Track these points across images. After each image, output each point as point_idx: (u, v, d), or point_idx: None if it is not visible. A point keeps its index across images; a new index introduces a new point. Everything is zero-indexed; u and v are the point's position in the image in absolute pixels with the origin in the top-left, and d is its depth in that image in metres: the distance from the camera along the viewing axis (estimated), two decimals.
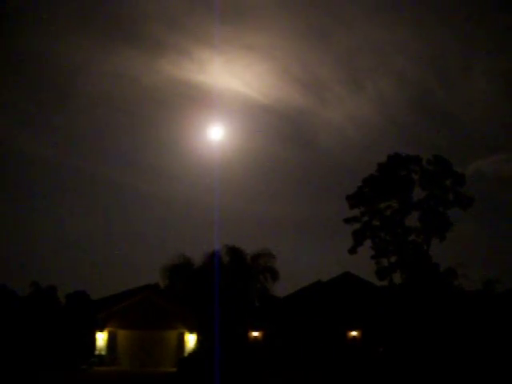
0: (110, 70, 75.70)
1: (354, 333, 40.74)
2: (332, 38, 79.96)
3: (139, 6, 73.11)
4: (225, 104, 65.04)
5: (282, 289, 46.89)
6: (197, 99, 72.05)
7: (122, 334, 39.09)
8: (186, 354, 38.40)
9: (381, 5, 77.22)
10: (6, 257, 63.57)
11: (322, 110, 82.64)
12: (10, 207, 76.95)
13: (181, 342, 39.30)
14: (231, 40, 70.23)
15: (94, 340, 38.72)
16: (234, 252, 46.18)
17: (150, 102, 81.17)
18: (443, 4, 77.36)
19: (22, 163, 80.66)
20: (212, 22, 61.37)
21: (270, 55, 78.38)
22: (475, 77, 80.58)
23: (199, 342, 39.28)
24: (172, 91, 76.92)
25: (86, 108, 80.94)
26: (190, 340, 39.27)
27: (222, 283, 42.01)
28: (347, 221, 47.50)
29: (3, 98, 77.18)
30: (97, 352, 38.41)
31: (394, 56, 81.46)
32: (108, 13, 75.25)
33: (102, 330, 38.83)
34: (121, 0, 74.14)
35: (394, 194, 47.10)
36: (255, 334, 41.13)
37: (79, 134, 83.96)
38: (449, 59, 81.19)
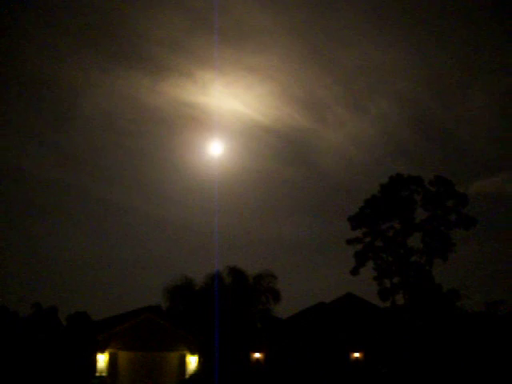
0: (112, 91, 76.37)
1: (356, 354, 40.43)
2: (332, 60, 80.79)
3: (142, 28, 73.98)
4: (226, 125, 65.56)
5: (283, 310, 46.76)
6: (198, 120, 72.46)
7: (123, 355, 38.78)
8: (187, 376, 38.13)
9: (380, 26, 77.99)
10: (7, 277, 63.48)
11: (323, 130, 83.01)
12: (11, 227, 77.04)
13: (182, 363, 38.99)
14: (232, 62, 70.97)
15: (94, 361, 38.42)
16: (236, 273, 46.06)
17: (152, 123, 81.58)
18: (442, 25, 78.04)
19: (24, 183, 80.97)
20: (214, 45, 61.91)
21: (271, 76, 78.92)
22: (476, 96, 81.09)
23: (201, 363, 39.00)
24: (174, 112, 77.37)
25: (89, 129, 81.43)
26: (192, 362, 38.97)
27: (223, 304, 41.84)
28: (349, 242, 47.45)
29: (7, 117, 77.79)
30: (97, 374, 38.10)
31: (394, 76, 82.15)
32: (111, 35, 76.09)
33: (102, 352, 38.51)
34: (124, 23, 74.89)
35: (396, 215, 47.07)
36: (257, 355, 40.83)
37: (81, 155, 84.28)
38: (449, 79, 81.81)
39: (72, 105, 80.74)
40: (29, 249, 76.17)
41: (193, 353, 38.98)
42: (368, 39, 77.65)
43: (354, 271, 46.74)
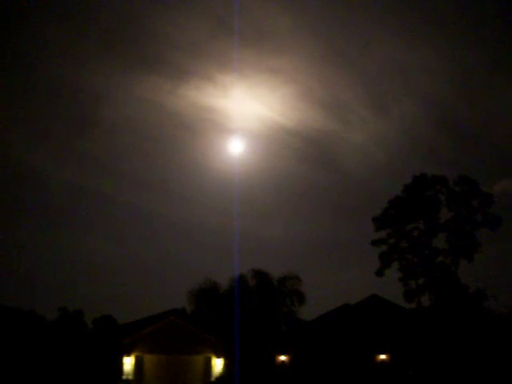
0: (133, 95, 76.87)
1: (382, 356, 40.11)
2: (355, 61, 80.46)
3: (162, 32, 74.36)
4: (248, 127, 65.64)
5: (308, 312, 46.64)
6: (219, 123, 72.58)
7: (148, 358, 38.96)
8: (213, 379, 38.18)
9: (403, 26, 77.50)
10: (34, 282, 64.15)
11: (346, 132, 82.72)
12: (37, 232, 77.93)
13: (208, 366, 39.04)
14: (254, 64, 71.00)
15: (121, 364, 38.64)
16: (260, 275, 46.06)
17: (174, 127, 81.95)
18: (465, 22, 77.33)
19: (47, 188, 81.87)
20: (234, 48, 62.02)
21: (293, 78, 78.75)
22: (500, 94, 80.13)
23: (226, 366, 39.02)
24: (196, 116, 77.58)
25: (110, 133, 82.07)
26: (217, 364, 39.00)
27: (248, 307, 41.87)
28: (374, 243, 47.23)
29: (29, 122, 78.78)
30: (124, 377, 38.31)
31: (417, 76, 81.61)
32: (131, 40, 76.57)
33: (128, 355, 38.72)
34: (143, 27, 75.29)
35: (420, 216, 46.74)
36: (282, 357, 40.72)
37: (103, 159, 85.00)
38: (473, 77, 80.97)
39: (93, 109, 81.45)
40: (54, 253, 76.95)
41: (218, 355, 39.00)
42: (392, 40, 77.32)
43: (379, 272, 46.52)
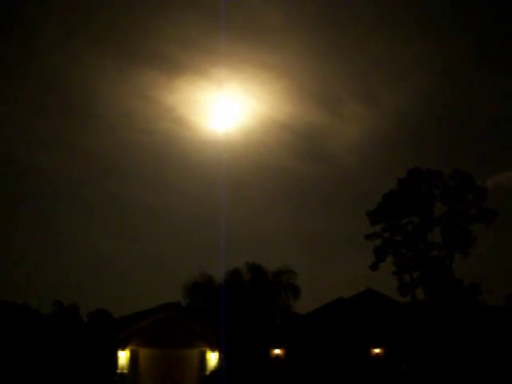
0: (128, 90, 76.78)
1: (377, 350, 40.22)
2: (347, 54, 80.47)
3: (156, 27, 74.15)
4: (241, 121, 65.49)
5: (303, 306, 46.71)
6: (214, 117, 72.33)
7: (143, 352, 38.98)
8: (207, 373, 38.24)
9: (395, 19, 77.55)
10: (29, 275, 64.15)
11: (339, 125, 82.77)
12: (31, 226, 77.87)
13: (202, 360, 39.07)
14: (248, 59, 70.87)
15: (115, 358, 38.67)
16: (255, 269, 46.14)
17: (168, 120, 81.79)
18: (458, 16, 77.40)
19: (42, 182, 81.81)
20: (229, 42, 61.89)
21: (285, 73, 78.79)
22: (494, 88, 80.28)
23: (221, 360, 39.10)
24: (188, 109, 77.29)
25: (104, 128, 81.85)
26: (212, 358, 39.04)
27: (243, 300, 41.93)
28: (368, 237, 47.25)
29: (25, 118, 78.65)
30: (119, 370, 38.36)
31: (410, 70, 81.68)
32: (126, 34, 76.40)
33: (123, 349, 38.73)
34: (139, 22, 75.14)
35: (415, 210, 46.79)
36: (277, 351, 40.80)
37: (99, 154, 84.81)
38: (466, 71, 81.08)
39: (89, 105, 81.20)
40: (49, 248, 76.89)
41: (213, 349, 39.04)
42: (384, 33, 77.26)
43: (374, 266, 46.58)
